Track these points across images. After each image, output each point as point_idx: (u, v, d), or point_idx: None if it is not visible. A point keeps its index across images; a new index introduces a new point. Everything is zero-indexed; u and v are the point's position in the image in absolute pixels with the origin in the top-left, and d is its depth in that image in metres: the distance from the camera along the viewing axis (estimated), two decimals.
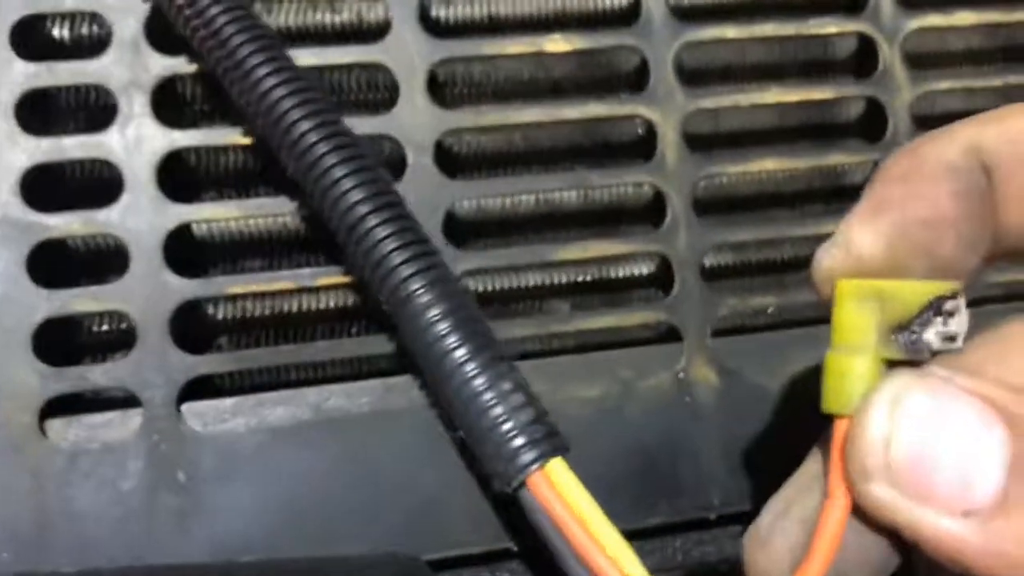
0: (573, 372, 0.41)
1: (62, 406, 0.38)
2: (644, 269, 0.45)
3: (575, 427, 0.40)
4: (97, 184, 0.39)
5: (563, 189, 0.43)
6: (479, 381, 0.25)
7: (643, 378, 0.41)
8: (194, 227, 0.41)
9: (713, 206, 0.44)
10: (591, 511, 0.25)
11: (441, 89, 0.43)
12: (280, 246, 0.41)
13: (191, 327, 0.40)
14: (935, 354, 0.25)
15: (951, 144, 0.25)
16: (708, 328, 0.42)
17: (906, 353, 0.24)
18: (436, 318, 0.26)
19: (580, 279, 0.45)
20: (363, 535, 0.37)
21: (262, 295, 0.40)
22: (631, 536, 0.44)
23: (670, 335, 0.43)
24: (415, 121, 0.40)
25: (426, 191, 0.39)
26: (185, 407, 0.38)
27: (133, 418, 0.38)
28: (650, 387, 0.41)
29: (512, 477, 0.25)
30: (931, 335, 0.24)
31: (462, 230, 0.43)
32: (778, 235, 0.43)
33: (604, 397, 0.41)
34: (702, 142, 0.45)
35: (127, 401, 0.38)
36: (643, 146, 0.43)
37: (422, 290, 0.26)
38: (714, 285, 0.42)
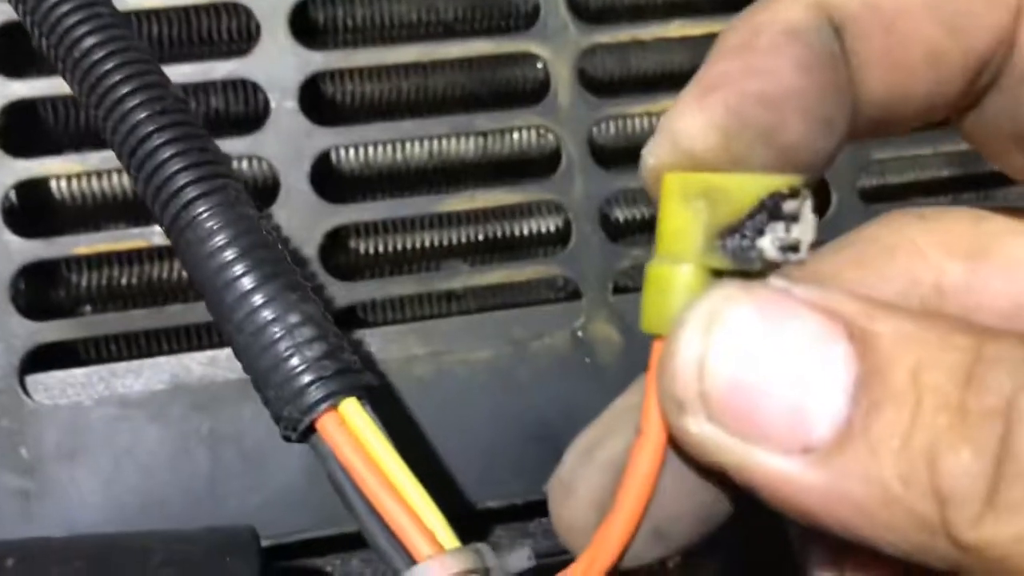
0: (462, 333, 0.38)
1: None
2: (546, 225, 0.41)
3: (463, 392, 0.37)
4: None
5: (448, 135, 0.39)
6: (264, 313, 0.22)
7: (538, 337, 0.38)
8: (46, 186, 0.38)
9: (618, 153, 0.41)
10: (393, 463, 0.21)
11: (313, 31, 0.39)
12: (133, 205, 0.38)
13: (40, 292, 0.37)
14: (771, 265, 0.20)
15: (793, 4, 0.21)
16: (609, 283, 0.38)
17: (735, 262, 0.19)
18: (217, 245, 0.23)
19: (478, 237, 0.41)
20: (219, 512, 0.34)
21: (114, 255, 0.37)
22: (528, 509, 0.41)
23: (571, 294, 0.39)
24: (278, 62, 0.36)
25: (292, 138, 0.36)
26: (30, 379, 0.35)
27: None
28: (545, 347, 0.38)
29: (298, 420, 0.21)
30: (766, 242, 0.19)
31: (347, 185, 0.40)
32: None
33: (495, 359, 0.38)
34: (608, 85, 0.42)
35: None
36: (539, 90, 0.40)
37: (205, 214, 0.23)
38: (616, 236, 0.39)
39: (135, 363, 0.36)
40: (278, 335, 0.22)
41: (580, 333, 0.38)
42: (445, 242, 0.41)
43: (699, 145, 0.20)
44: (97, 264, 0.38)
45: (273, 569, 0.38)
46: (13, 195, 0.36)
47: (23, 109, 0.36)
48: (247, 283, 0.23)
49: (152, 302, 0.38)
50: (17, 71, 0.36)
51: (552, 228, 0.41)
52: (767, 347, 0.18)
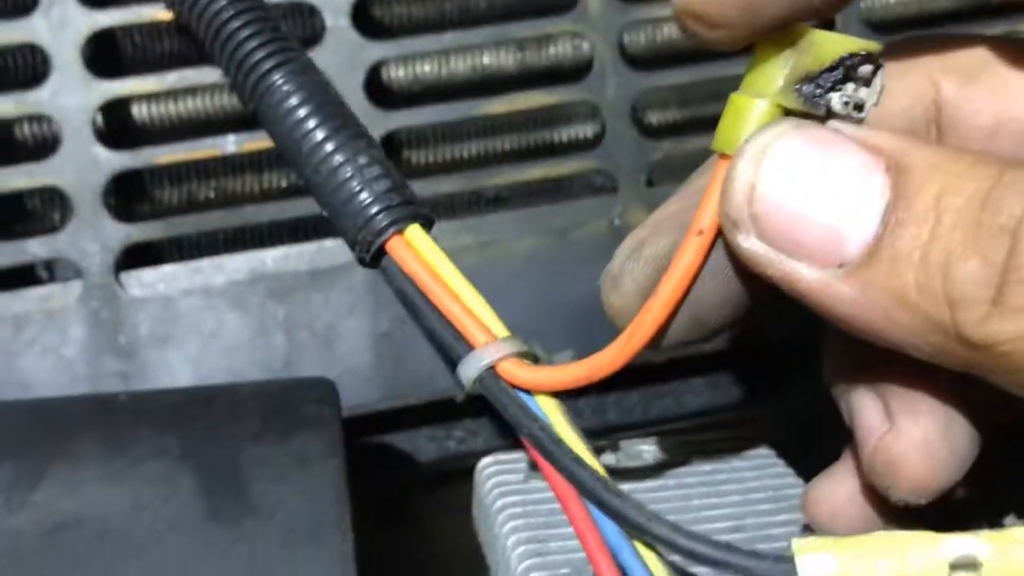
0: (506, 226, 0.41)
1: (9, 283, 0.39)
2: (583, 132, 0.45)
3: (509, 279, 0.41)
4: (26, 68, 0.40)
5: (487, 46, 0.43)
6: (336, 158, 0.25)
7: (577, 228, 0.41)
8: (129, 107, 0.42)
9: (648, 56, 0.44)
10: (451, 273, 0.25)
11: None
12: (206, 122, 0.42)
13: (128, 199, 0.41)
14: (833, 116, 0.23)
15: None
16: (643, 175, 0.42)
17: (804, 105, 0.22)
18: (293, 104, 0.26)
19: (519, 144, 0.45)
20: None
21: (192, 168, 0.41)
22: (583, 392, 0.45)
23: (607, 188, 0.42)
24: None
25: (346, 52, 0.40)
26: (124, 275, 0.39)
27: (74, 288, 0.39)
28: (585, 236, 0.41)
29: (370, 243, 0.25)
30: (835, 95, 0.23)
31: (397, 100, 0.43)
32: (713, 76, 0.42)
33: (538, 248, 0.41)
34: None
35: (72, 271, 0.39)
36: (571, 2, 0.43)
37: (280, 80, 0.26)
38: (649, 131, 0.42)
39: (216, 259, 0.40)
40: (349, 174, 0.26)
41: (617, 222, 0.41)
42: (489, 150, 0.44)
43: None
44: (178, 178, 0.42)
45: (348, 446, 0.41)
46: (101, 116, 0.40)
47: (105, 37, 0.40)
48: (320, 134, 0.26)
49: (215, 204, 0.42)
50: (98, 2, 0.40)
51: (589, 134, 0.45)
52: (811, 176, 0.21)
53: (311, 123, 0.26)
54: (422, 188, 0.41)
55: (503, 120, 0.44)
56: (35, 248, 0.39)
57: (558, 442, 0.22)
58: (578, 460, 0.21)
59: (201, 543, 0.24)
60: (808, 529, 0.30)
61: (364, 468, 0.42)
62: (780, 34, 0.23)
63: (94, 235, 0.39)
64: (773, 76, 0.22)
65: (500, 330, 0.24)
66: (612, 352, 0.23)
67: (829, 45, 0.22)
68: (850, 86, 0.23)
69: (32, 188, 0.39)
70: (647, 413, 0.44)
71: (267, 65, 0.27)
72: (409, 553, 0.42)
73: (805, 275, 0.22)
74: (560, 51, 0.44)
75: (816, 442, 0.43)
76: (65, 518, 0.24)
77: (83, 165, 0.39)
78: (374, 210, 0.25)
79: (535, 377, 0.23)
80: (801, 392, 0.44)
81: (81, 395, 0.33)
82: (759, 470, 0.33)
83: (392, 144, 0.42)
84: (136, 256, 0.40)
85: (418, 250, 0.25)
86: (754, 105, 0.22)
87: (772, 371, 0.44)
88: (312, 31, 0.41)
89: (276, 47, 0.27)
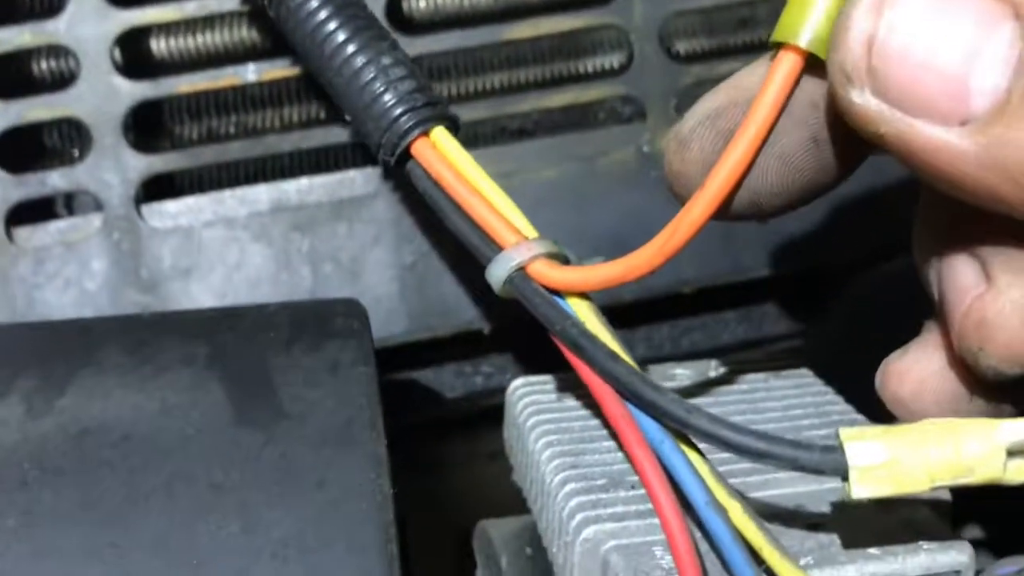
0: (531, 155, 0.40)
1: (31, 215, 0.39)
2: (609, 62, 0.44)
3: (535, 207, 0.40)
4: None
5: None
6: (359, 59, 0.25)
7: (605, 155, 0.40)
8: (148, 36, 0.41)
9: None
10: (478, 175, 0.24)
11: None
12: (225, 53, 0.41)
13: (148, 133, 0.40)
14: None
15: None
16: (673, 99, 0.40)
17: None
18: (314, 7, 0.25)
19: (545, 75, 0.43)
20: None
21: (211, 99, 0.40)
22: (614, 323, 0.44)
23: (635, 115, 0.41)
24: None
25: None
26: (145, 207, 0.38)
27: (95, 221, 0.38)
28: (613, 163, 0.40)
29: (396, 145, 0.24)
30: None
31: (418, 26, 0.42)
32: (739, 1, 0.41)
33: (564, 176, 0.40)
34: None
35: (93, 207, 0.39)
36: None
37: None
38: (677, 56, 0.41)
39: (238, 190, 0.39)
40: (373, 74, 0.25)
41: (646, 148, 0.40)
42: (514, 81, 0.43)
43: None
44: (197, 112, 0.41)
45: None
46: (118, 50, 0.39)
47: None
48: (341, 35, 0.26)
49: (236, 134, 0.41)
50: None
51: (615, 63, 0.43)
52: (937, 25, 0.20)
53: (332, 24, 0.26)
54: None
55: (527, 49, 0.42)
56: (55, 180, 0.38)
57: (592, 338, 0.21)
58: (613, 355, 0.21)
59: (230, 446, 0.23)
60: None
61: (390, 406, 0.42)
62: None
63: (114, 166, 0.38)
64: None
65: (530, 231, 0.23)
66: (649, 250, 0.22)
67: None
68: None
69: (51, 120, 0.38)
70: (677, 347, 0.44)
71: None
72: (435, 496, 0.42)
73: (924, 132, 0.20)
74: None
75: (851, 373, 0.43)
76: (90, 424, 0.24)
77: (102, 95, 0.38)
78: (398, 111, 0.25)
79: (566, 277, 0.22)
80: (836, 322, 0.43)
81: (107, 316, 0.32)
82: (798, 388, 0.32)
83: None
84: (160, 188, 0.39)
85: (444, 152, 0.24)
86: None
87: (805, 303, 0.44)
88: None
89: None
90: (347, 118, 0.26)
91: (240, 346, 0.26)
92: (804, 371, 0.33)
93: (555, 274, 0.22)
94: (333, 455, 0.23)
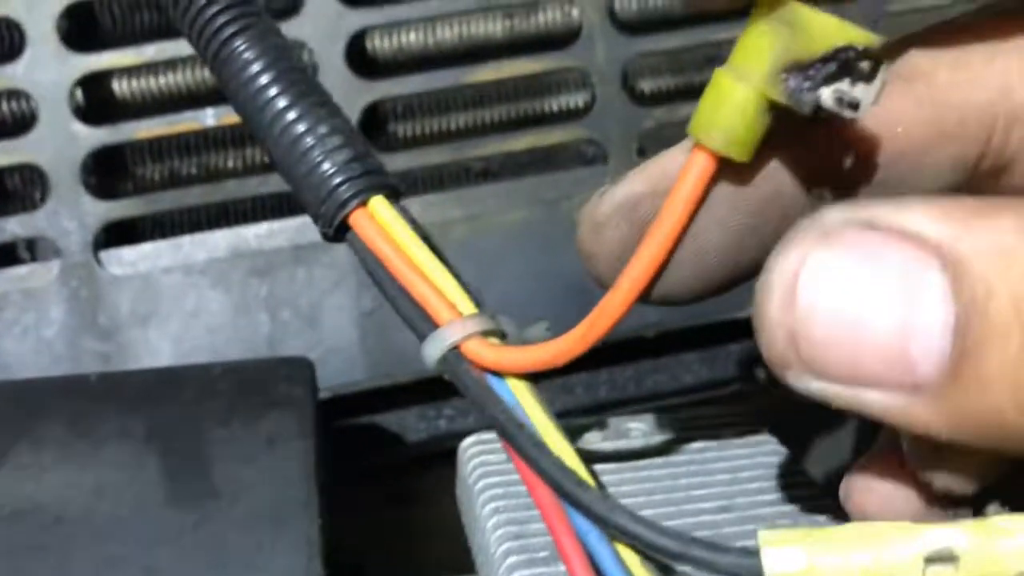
0: (496, 198, 0.40)
1: None
2: (573, 101, 0.43)
3: (500, 252, 0.40)
4: (1, 43, 0.40)
5: (475, 12, 0.41)
6: (297, 128, 0.24)
7: (568, 198, 0.40)
8: (108, 81, 0.41)
9: (639, 21, 0.43)
10: (417, 247, 0.24)
11: None
12: (187, 95, 0.41)
13: (109, 178, 0.40)
14: (822, 113, 0.19)
15: None
16: (634, 144, 0.40)
17: (789, 99, 0.19)
18: (254, 72, 0.25)
19: (509, 115, 0.43)
20: None
21: (173, 143, 0.40)
22: (576, 366, 0.44)
23: (597, 158, 0.41)
24: None
25: (326, 20, 0.39)
26: (103, 253, 0.38)
27: (53, 267, 0.38)
28: (576, 207, 0.40)
29: (333, 216, 0.24)
30: (827, 91, 0.19)
31: (382, 70, 0.42)
32: (704, 41, 0.41)
33: (528, 220, 0.40)
34: None
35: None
36: None
37: (241, 46, 0.25)
38: (641, 99, 0.41)
39: (198, 236, 0.39)
40: (310, 144, 0.25)
41: None
42: (477, 121, 0.43)
43: None
44: (159, 153, 0.41)
45: (332, 427, 0.41)
46: (79, 91, 0.39)
47: (83, 10, 0.39)
48: (281, 102, 0.25)
49: (196, 179, 0.41)
50: None
51: (579, 103, 0.43)
52: (858, 299, 0.18)
53: (271, 91, 0.25)
54: (408, 160, 0.40)
55: (491, 90, 0.42)
56: (13, 227, 0.38)
57: (520, 427, 0.21)
58: (540, 446, 0.20)
59: (163, 528, 0.23)
60: (796, 510, 0.29)
61: (352, 449, 0.42)
62: (773, 6, 0.19)
63: (72, 213, 0.38)
64: (761, 57, 0.19)
65: (466, 307, 0.23)
66: (572, 338, 0.22)
67: (826, 30, 0.19)
68: (846, 80, 0.19)
69: (9, 166, 0.38)
70: (640, 389, 0.43)
71: (228, 31, 0.26)
72: (400, 534, 0.41)
73: (878, 401, 0.18)
74: (550, 18, 0.43)
75: (814, 415, 0.42)
76: (23, 504, 0.24)
77: (60, 141, 0.38)
78: (335, 182, 0.24)
79: (499, 358, 0.22)
80: None
81: (52, 376, 0.32)
82: (750, 447, 0.32)
83: (377, 116, 0.41)
84: (119, 234, 0.39)
85: (382, 222, 0.24)
86: (736, 90, 0.19)
87: None
88: (290, 1, 0.40)
89: (236, 12, 0.26)
90: (288, 188, 0.26)
91: (179, 417, 0.26)
92: (757, 428, 0.33)
93: (488, 354, 0.22)
94: (264, 537, 0.23)
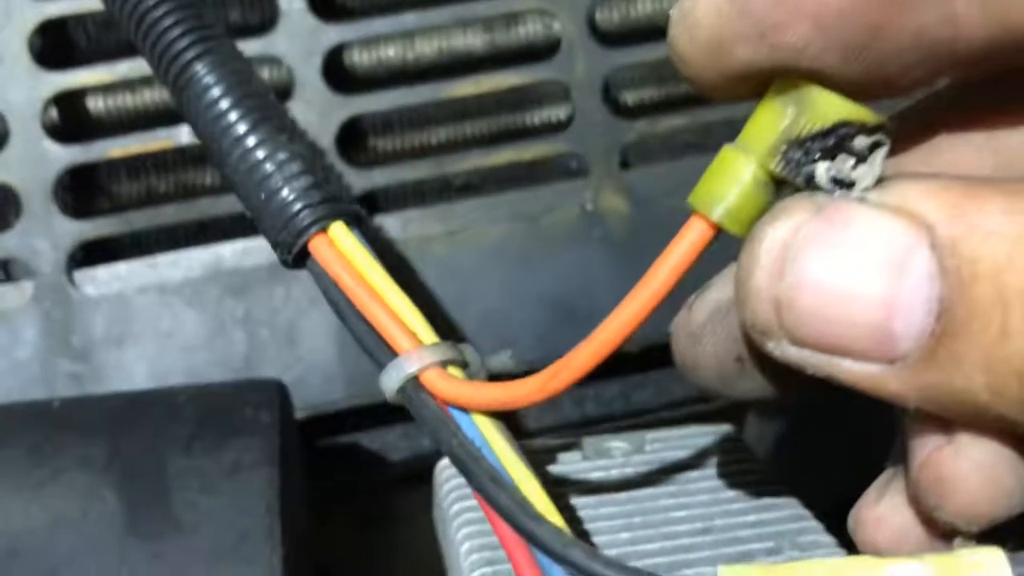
0: (475, 213, 0.40)
1: None
2: (555, 114, 0.43)
3: (479, 267, 0.39)
4: None
5: (454, 27, 0.41)
6: (256, 154, 0.24)
7: (548, 213, 0.40)
8: (81, 99, 0.40)
9: (620, 33, 0.42)
10: (377, 274, 0.23)
11: None
12: (162, 113, 0.40)
13: (83, 197, 0.39)
14: (816, 189, 0.20)
15: None
16: (615, 157, 0.40)
17: (784, 171, 0.19)
18: (214, 97, 0.25)
19: (489, 128, 0.43)
20: None
21: (148, 160, 0.40)
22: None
23: (578, 172, 0.41)
24: None
25: (303, 36, 0.38)
26: (77, 273, 0.38)
27: (26, 288, 0.38)
28: (556, 221, 0.40)
29: (292, 244, 0.23)
30: (821, 167, 0.19)
31: (361, 85, 0.42)
32: None
33: (508, 235, 0.39)
34: None
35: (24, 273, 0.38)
36: None
37: (201, 71, 0.25)
38: (620, 112, 0.40)
39: (172, 255, 0.38)
40: (269, 171, 0.24)
41: (589, 206, 0.40)
42: (458, 135, 0.43)
43: (697, 14, 0.20)
44: (134, 170, 0.41)
45: (314, 446, 0.40)
46: (52, 109, 0.39)
47: (55, 27, 0.39)
48: (240, 128, 0.25)
49: (185, 200, 0.40)
50: None
51: (560, 116, 0.43)
52: (845, 274, 0.18)
53: (231, 117, 0.25)
54: (387, 175, 0.40)
55: (472, 104, 0.42)
56: None
57: (477, 459, 0.20)
58: (496, 479, 0.20)
59: (121, 561, 0.23)
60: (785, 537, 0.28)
61: (334, 468, 0.41)
62: (785, 87, 0.20)
63: (44, 233, 0.37)
64: (766, 134, 0.20)
65: (427, 336, 0.23)
66: (532, 385, 0.22)
67: (828, 108, 0.20)
68: (843, 160, 0.20)
69: None
70: (628, 404, 0.43)
71: (188, 55, 0.26)
72: (379, 554, 0.41)
73: (852, 369, 0.19)
74: (530, 30, 0.42)
75: (800, 430, 0.42)
76: None
77: (32, 160, 0.37)
78: (294, 209, 0.24)
79: (458, 393, 0.22)
80: None
81: (14, 403, 0.32)
82: (731, 466, 0.31)
83: (357, 131, 0.41)
84: (94, 253, 0.39)
85: (342, 250, 0.24)
86: (739, 163, 0.20)
87: None
88: (266, 16, 0.40)
89: (197, 35, 0.26)
90: (247, 214, 0.25)
91: (140, 445, 0.25)
92: (739, 448, 0.32)
93: (445, 387, 0.22)
94: (225, 569, 0.22)
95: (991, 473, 0.20)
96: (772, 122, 0.20)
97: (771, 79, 0.20)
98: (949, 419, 0.19)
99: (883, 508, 0.23)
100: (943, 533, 0.22)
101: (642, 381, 0.43)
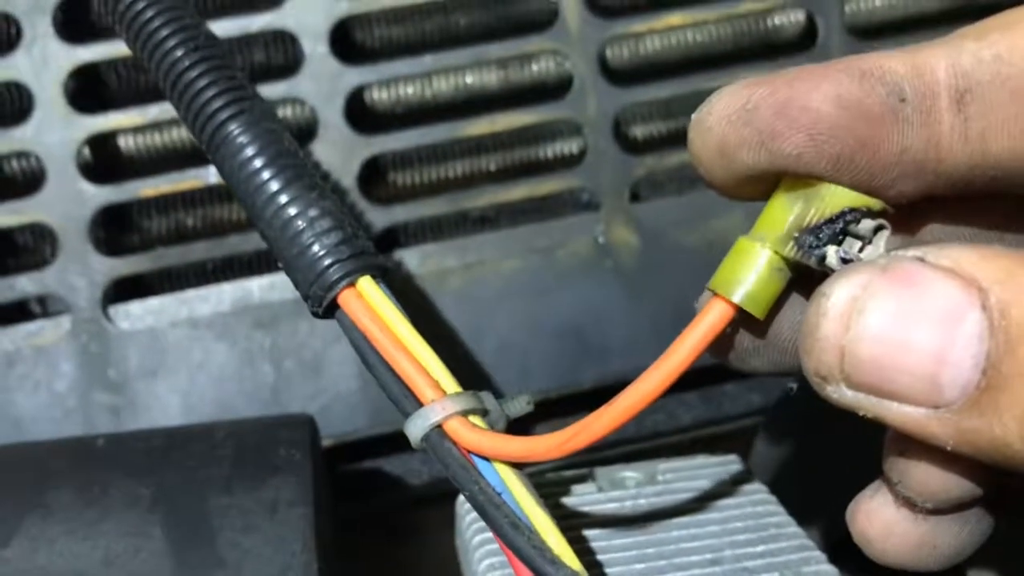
0: (491, 247, 0.41)
1: (2, 318, 0.40)
2: (567, 148, 0.44)
3: (495, 299, 0.41)
4: (9, 106, 0.41)
5: (469, 67, 0.42)
6: (288, 211, 0.26)
7: (562, 246, 0.41)
8: (114, 141, 0.42)
9: (630, 71, 0.44)
10: (403, 326, 0.25)
11: None
12: (191, 153, 0.42)
13: (117, 235, 0.41)
14: (825, 269, 0.22)
15: (890, 58, 0.22)
16: (626, 191, 0.41)
17: (798, 254, 0.22)
18: (248, 156, 0.26)
19: (503, 163, 0.44)
20: None
21: (178, 198, 0.41)
22: (570, 404, 0.44)
23: (592, 207, 0.42)
24: (309, 10, 0.40)
25: (325, 78, 0.40)
26: (112, 308, 0.40)
27: (63, 323, 0.39)
28: (569, 254, 0.41)
29: (322, 297, 0.25)
30: (831, 250, 0.22)
31: (381, 123, 0.43)
32: (694, 90, 0.42)
33: (523, 267, 0.41)
34: (619, 8, 0.44)
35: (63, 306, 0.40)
36: (551, 19, 0.42)
37: (236, 131, 0.27)
38: (630, 147, 0.42)
39: (202, 290, 0.40)
40: (301, 227, 0.26)
41: (601, 239, 0.41)
42: (474, 170, 0.44)
43: (710, 121, 0.23)
44: (164, 208, 0.42)
45: (337, 471, 0.42)
46: (86, 150, 0.40)
47: (88, 72, 0.40)
48: (273, 186, 0.26)
49: (214, 237, 0.42)
50: (80, 37, 0.40)
51: (572, 150, 0.44)
52: (904, 330, 0.20)
53: (264, 176, 0.26)
54: (407, 211, 0.41)
55: (487, 140, 0.43)
56: (24, 284, 0.39)
57: (498, 506, 0.22)
58: (515, 525, 0.21)
59: None
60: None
61: (357, 493, 0.43)
62: (793, 185, 0.23)
63: (81, 270, 0.39)
64: (777, 223, 0.22)
65: (450, 386, 0.24)
66: (551, 442, 0.23)
67: (835, 199, 0.22)
68: (851, 242, 0.22)
69: (19, 225, 0.39)
70: (640, 428, 0.44)
71: (223, 116, 0.27)
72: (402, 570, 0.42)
73: (900, 412, 0.21)
74: (543, 68, 0.44)
75: (805, 458, 0.43)
76: (36, 575, 0.25)
77: (68, 200, 0.39)
78: (325, 264, 0.25)
79: (479, 442, 0.23)
80: (795, 403, 0.44)
81: (60, 440, 0.33)
82: (741, 497, 0.33)
83: (377, 167, 0.42)
84: (126, 288, 0.40)
85: (370, 302, 0.25)
86: (754, 249, 0.22)
87: (765, 384, 0.44)
88: (290, 59, 0.41)
89: (231, 97, 0.28)
90: (279, 266, 0.27)
91: (182, 484, 0.27)
92: (749, 478, 0.34)
93: (468, 436, 0.23)
94: None
95: (942, 459, 0.22)
96: (783, 213, 0.23)
97: (777, 180, 0.22)
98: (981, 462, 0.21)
99: (875, 504, 0.25)
100: (932, 528, 0.24)
101: (654, 405, 0.44)
